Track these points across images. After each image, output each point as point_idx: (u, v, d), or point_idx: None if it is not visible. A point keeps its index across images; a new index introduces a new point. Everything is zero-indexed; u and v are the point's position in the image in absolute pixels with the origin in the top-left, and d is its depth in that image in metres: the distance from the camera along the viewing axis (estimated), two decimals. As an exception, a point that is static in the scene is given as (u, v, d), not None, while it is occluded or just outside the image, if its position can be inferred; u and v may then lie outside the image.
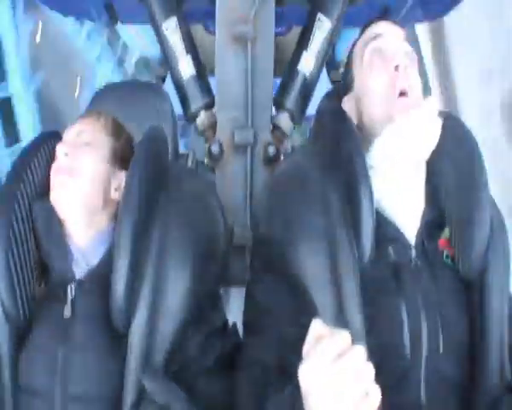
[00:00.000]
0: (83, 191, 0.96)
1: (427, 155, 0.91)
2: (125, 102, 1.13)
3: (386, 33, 0.96)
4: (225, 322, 0.99)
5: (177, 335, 0.88)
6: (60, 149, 0.97)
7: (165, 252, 0.90)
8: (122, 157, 1.02)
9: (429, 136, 0.90)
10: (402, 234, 0.88)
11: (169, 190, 0.96)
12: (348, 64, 1.02)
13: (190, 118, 1.30)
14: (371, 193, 0.85)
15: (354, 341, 0.60)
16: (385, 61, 0.93)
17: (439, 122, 0.91)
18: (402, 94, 0.90)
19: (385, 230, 0.87)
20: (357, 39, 1.02)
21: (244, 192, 1.24)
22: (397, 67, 0.91)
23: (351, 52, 1.02)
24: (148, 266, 0.88)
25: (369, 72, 0.95)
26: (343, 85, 1.03)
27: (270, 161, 1.25)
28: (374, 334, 0.80)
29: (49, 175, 0.98)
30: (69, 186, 0.95)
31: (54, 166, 0.98)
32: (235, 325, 0.98)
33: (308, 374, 0.60)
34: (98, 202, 0.97)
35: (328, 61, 2.02)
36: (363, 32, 1.01)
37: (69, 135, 1.01)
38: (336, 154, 0.91)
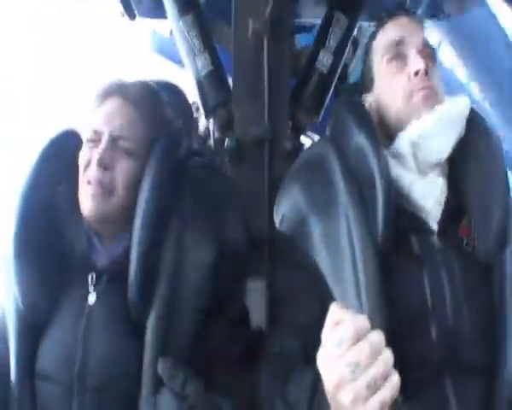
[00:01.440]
0: (120, 206, 0.93)
1: (449, 148, 0.92)
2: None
3: (406, 37, 0.97)
4: (247, 315, 1.00)
5: (196, 326, 0.89)
6: (96, 159, 0.91)
7: (183, 246, 0.91)
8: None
9: (453, 130, 0.91)
10: (424, 221, 0.89)
11: (186, 187, 0.97)
12: (367, 64, 1.03)
13: (208, 113, 1.30)
14: (388, 177, 0.86)
15: (373, 326, 0.60)
16: (404, 65, 0.96)
17: (463, 118, 0.92)
18: (423, 96, 0.92)
19: (408, 217, 0.89)
20: (375, 37, 1.02)
21: (262, 187, 1.24)
22: (416, 73, 0.93)
23: (369, 49, 1.03)
24: (167, 259, 0.89)
25: (390, 77, 0.97)
26: (362, 85, 1.04)
27: (288, 156, 1.25)
28: (398, 317, 0.80)
29: (73, 168, 0.96)
30: (106, 204, 0.92)
31: (90, 176, 0.92)
32: (260, 329, 0.99)
33: (326, 358, 0.60)
34: (130, 209, 0.93)
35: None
36: (380, 28, 1.01)
37: (105, 139, 0.94)
38: (352, 144, 0.92)
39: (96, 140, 0.94)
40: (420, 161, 0.91)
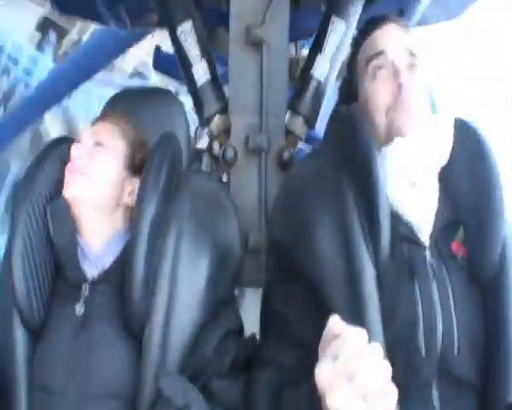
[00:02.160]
0: (97, 191, 0.98)
1: (437, 164, 0.92)
2: (138, 107, 1.14)
3: (388, 49, 0.96)
4: (241, 326, 1.01)
5: (192, 337, 0.90)
6: (75, 149, 1.00)
7: (180, 255, 0.91)
8: (137, 164, 1.03)
9: (440, 148, 0.91)
10: (416, 234, 0.89)
11: (183, 195, 0.98)
12: (351, 74, 1.03)
13: (204, 122, 1.30)
14: (386, 193, 0.86)
15: (371, 339, 0.60)
16: (387, 78, 0.95)
17: (450, 133, 0.91)
18: (406, 108, 0.92)
19: (399, 230, 0.88)
20: (357, 49, 1.02)
21: (258, 196, 1.24)
22: (399, 86, 0.92)
23: (353, 60, 1.03)
24: (163, 269, 0.90)
25: (372, 89, 0.96)
26: (347, 95, 1.04)
27: (285, 165, 1.25)
28: (389, 330, 0.80)
29: (62, 178, 0.99)
30: (84, 185, 0.97)
31: (69, 166, 0.99)
32: (254, 335, 0.99)
33: (324, 371, 0.59)
34: (111, 203, 1.00)
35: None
36: (362, 39, 1.01)
37: (85, 137, 1.03)
38: (351, 154, 0.92)
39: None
40: (408, 175, 0.90)
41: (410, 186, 0.90)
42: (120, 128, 1.05)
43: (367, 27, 1.02)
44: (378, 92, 0.95)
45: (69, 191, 0.98)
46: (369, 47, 0.99)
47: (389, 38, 0.98)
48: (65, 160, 1.01)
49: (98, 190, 0.99)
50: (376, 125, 0.95)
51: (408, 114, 0.92)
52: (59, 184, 1.00)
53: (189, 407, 0.81)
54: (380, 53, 0.96)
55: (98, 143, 1.01)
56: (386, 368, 0.58)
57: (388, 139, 0.93)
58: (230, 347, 0.93)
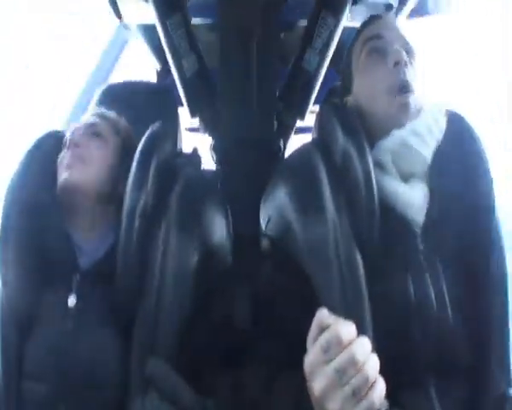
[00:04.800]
0: (95, 179, 0.98)
1: (429, 157, 0.92)
2: (129, 101, 1.13)
3: (385, 34, 0.96)
4: (232, 316, 1.00)
5: (181, 327, 0.89)
6: (72, 138, 1.00)
7: (169, 246, 0.91)
8: (129, 157, 1.02)
9: (433, 137, 0.91)
10: (409, 225, 0.89)
11: (172, 186, 0.97)
12: (346, 66, 1.02)
13: (194, 114, 1.30)
14: (372, 181, 0.86)
15: (359, 331, 0.60)
16: (384, 57, 0.94)
17: (443, 123, 0.92)
18: (402, 89, 0.90)
19: (392, 222, 0.89)
20: (355, 40, 1.02)
21: (249, 188, 1.24)
22: (396, 64, 0.91)
23: (348, 54, 1.03)
24: (153, 259, 0.89)
25: (368, 70, 0.95)
26: (342, 87, 1.04)
27: (275, 156, 1.25)
28: (383, 319, 0.80)
29: (54, 169, 0.99)
30: (83, 172, 0.97)
31: (69, 152, 0.99)
32: (245, 330, 0.99)
33: (312, 364, 0.59)
34: (107, 194, 1.00)
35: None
36: (360, 32, 1.01)
37: (80, 127, 1.03)
38: (337, 147, 0.91)
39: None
40: (401, 169, 0.91)
41: (404, 178, 0.91)
42: (112, 123, 1.06)
43: (362, 26, 1.02)
44: (375, 73, 0.94)
45: (70, 175, 0.97)
46: (363, 36, 0.99)
47: (386, 24, 0.98)
48: (57, 152, 1.01)
49: (96, 179, 0.99)
50: (372, 114, 0.94)
51: (405, 101, 0.91)
52: (52, 175, 0.99)
53: (176, 394, 0.81)
54: (376, 36, 0.96)
55: (95, 134, 1.02)
56: (374, 361, 0.58)
57: (384, 129, 0.92)
58: (220, 339, 0.93)
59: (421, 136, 0.90)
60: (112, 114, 1.09)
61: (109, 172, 1.01)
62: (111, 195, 1.00)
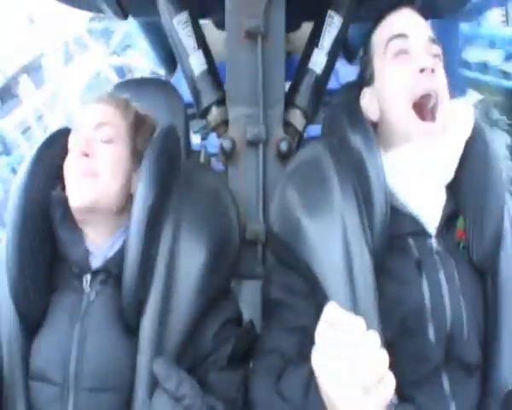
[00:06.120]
0: (107, 193, 0.94)
1: (452, 173, 0.92)
2: (136, 99, 1.13)
3: (412, 34, 0.93)
4: (240, 315, 1.00)
5: (189, 327, 0.89)
6: (79, 148, 0.94)
7: (178, 246, 0.91)
8: (139, 147, 1.00)
9: (452, 160, 0.91)
10: (422, 226, 0.90)
11: (181, 186, 0.97)
12: (367, 55, 1.00)
13: (202, 114, 1.29)
14: (383, 181, 0.86)
15: (368, 327, 0.60)
16: (410, 61, 0.92)
17: (462, 142, 0.91)
18: (425, 96, 0.90)
19: (405, 221, 0.89)
20: (375, 27, 0.99)
21: (256, 188, 1.24)
22: (422, 70, 0.90)
23: (369, 41, 1.00)
24: (161, 259, 0.90)
25: (394, 70, 0.93)
26: (361, 77, 1.03)
27: (283, 157, 1.25)
28: (397, 319, 0.81)
29: (62, 166, 0.97)
30: (92, 189, 0.92)
31: (72, 163, 0.95)
32: (251, 321, 0.99)
33: (321, 359, 0.59)
34: (121, 200, 0.97)
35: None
36: (384, 22, 0.98)
37: (86, 129, 0.97)
38: (347, 145, 0.92)
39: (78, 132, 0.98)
40: (419, 174, 0.90)
41: (418, 180, 0.90)
42: (120, 109, 1.00)
43: (385, 12, 0.99)
44: (398, 76, 0.92)
45: (81, 195, 0.92)
46: (387, 30, 0.96)
47: (409, 20, 0.95)
48: (67, 150, 0.98)
49: (111, 193, 0.94)
50: (391, 120, 0.93)
51: (424, 124, 0.90)
52: (59, 175, 0.96)
53: (185, 396, 0.81)
54: (400, 35, 0.93)
55: (102, 138, 0.96)
56: (383, 356, 0.58)
57: (401, 142, 0.91)
58: (229, 336, 0.93)
59: (435, 160, 0.90)
60: (124, 100, 1.03)
61: (121, 179, 0.96)
62: (125, 198, 0.97)
